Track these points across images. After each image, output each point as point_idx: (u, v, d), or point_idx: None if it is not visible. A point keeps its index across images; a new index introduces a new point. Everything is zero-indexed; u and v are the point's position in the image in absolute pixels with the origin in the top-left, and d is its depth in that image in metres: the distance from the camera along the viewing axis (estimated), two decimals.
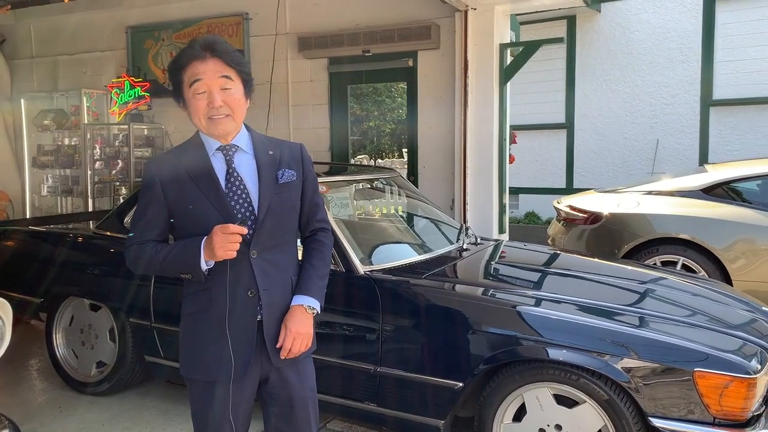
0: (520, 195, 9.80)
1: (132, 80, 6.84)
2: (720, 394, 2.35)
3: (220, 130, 1.80)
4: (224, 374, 1.82)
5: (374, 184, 3.95)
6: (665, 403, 2.42)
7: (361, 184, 3.92)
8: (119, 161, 7.08)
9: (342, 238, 3.03)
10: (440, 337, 2.79)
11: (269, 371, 1.89)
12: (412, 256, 3.34)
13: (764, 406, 2.52)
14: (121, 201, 5.94)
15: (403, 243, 3.77)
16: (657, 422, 2.40)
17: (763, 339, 2.68)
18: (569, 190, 8.92)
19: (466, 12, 5.09)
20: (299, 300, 1.89)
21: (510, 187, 9.05)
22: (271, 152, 1.89)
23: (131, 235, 1.90)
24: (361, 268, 2.98)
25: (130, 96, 6.78)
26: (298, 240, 2.03)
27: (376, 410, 2.91)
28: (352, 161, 7.66)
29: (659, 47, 8.58)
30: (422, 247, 3.61)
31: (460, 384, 2.68)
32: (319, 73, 6.28)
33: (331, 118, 6.28)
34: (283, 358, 1.86)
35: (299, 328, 1.86)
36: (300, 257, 2.00)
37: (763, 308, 3.16)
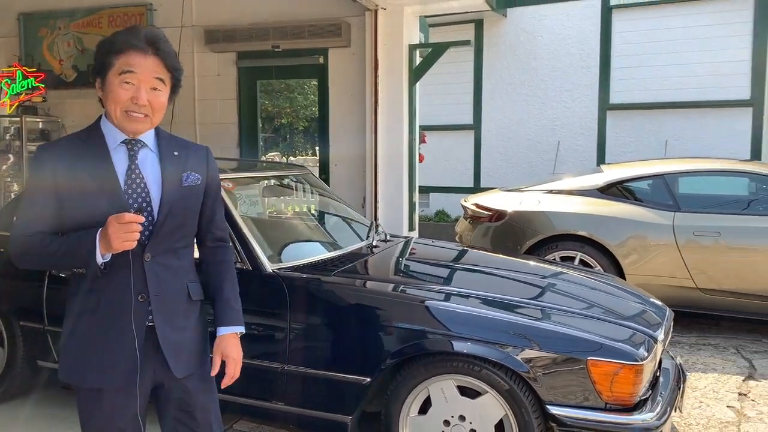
0: (430, 194, 9.99)
1: (24, 70, 6.43)
2: (611, 380, 2.49)
3: (133, 127, 1.73)
4: (109, 382, 1.73)
5: (284, 182, 3.91)
6: (562, 391, 2.53)
7: (270, 181, 3.88)
8: (10, 156, 6.65)
9: (249, 235, 2.98)
10: (348, 333, 2.81)
11: (163, 378, 1.81)
12: (321, 254, 3.34)
13: (650, 391, 2.69)
14: (12, 198, 5.57)
15: (313, 240, 3.76)
16: (554, 409, 2.51)
17: (650, 328, 2.86)
18: (477, 189, 9.17)
19: (376, 11, 5.14)
20: (233, 328, 1.89)
21: (420, 186, 9.21)
22: (176, 153, 1.81)
23: (18, 225, 1.75)
24: (269, 266, 2.95)
25: (22, 87, 6.36)
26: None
27: (284, 409, 2.89)
28: (264, 158, 7.55)
29: (561, 53, 8.98)
30: (332, 245, 3.61)
31: (368, 379, 2.71)
32: (227, 68, 6.15)
33: (240, 113, 6.16)
34: (224, 386, 1.88)
35: (238, 355, 1.89)
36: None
37: (652, 300, 3.37)
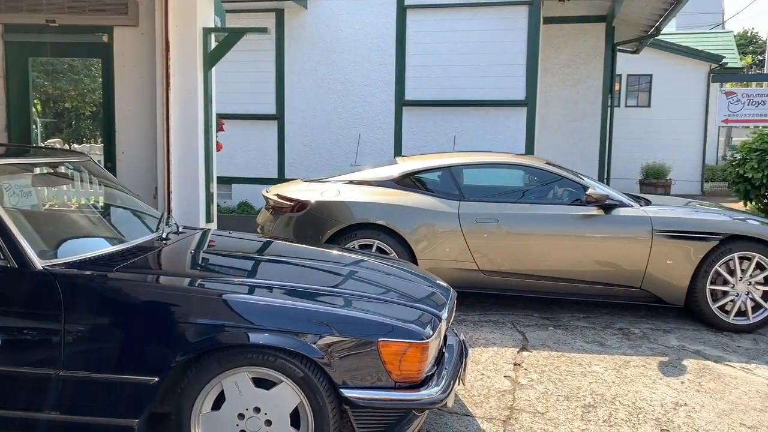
0: (233, 185, 9.74)
1: None
2: (400, 359, 2.61)
3: None
4: None
5: (58, 170, 3.53)
6: (355, 374, 2.60)
7: (42, 168, 3.48)
8: None
9: (12, 229, 2.66)
10: (133, 331, 2.62)
11: None
12: (103, 248, 3.07)
13: (436, 367, 2.87)
14: None
15: (93, 234, 3.44)
16: (347, 392, 2.58)
17: (437, 308, 3.04)
18: (281, 180, 9.13)
19: None
20: None
21: (223, 177, 8.98)
22: None
23: None
24: (39, 263, 2.66)
25: None
26: None
27: (61, 418, 2.62)
28: (41, 145, 6.80)
29: (361, 48, 9.23)
30: (115, 238, 3.34)
31: (156, 379, 2.56)
32: None
33: (8, 93, 5.46)
34: None
35: None
36: None
37: (438, 282, 3.59)
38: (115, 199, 3.83)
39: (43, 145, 7.08)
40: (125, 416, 2.59)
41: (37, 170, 3.46)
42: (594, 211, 5.13)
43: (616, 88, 14.40)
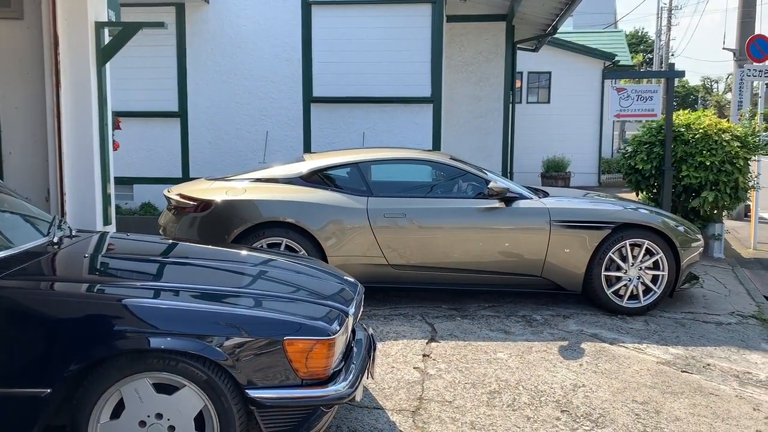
0: (134, 185, 9.36)
1: None
2: (306, 357, 2.61)
3: None
4: None
5: None
6: (261, 374, 2.58)
7: None
8: None
9: None
10: (20, 342, 2.48)
11: None
12: None
13: (344, 362, 2.89)
14: None
15: None
16: (252, 393, 2.55)
17: (344, 304, 3.06)
18: (186, 179, 8.85)
19: None
20: None
21: (124, 177, 8.62)
22: None
23: None
24: None
25: None
26: None
27: None
28: None
29: (266, 44, 9.09)
30: (1, 244, 3.14)
31: (48, 390, 2.43)
32: None
33: None
34: None
35: None
36: None
37: (346, 278, 3.61)
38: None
39: None
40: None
41: None
42: (496, 203, 5.30)
43: (518, 85, 14.95)
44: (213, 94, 9.21)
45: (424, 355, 4.33)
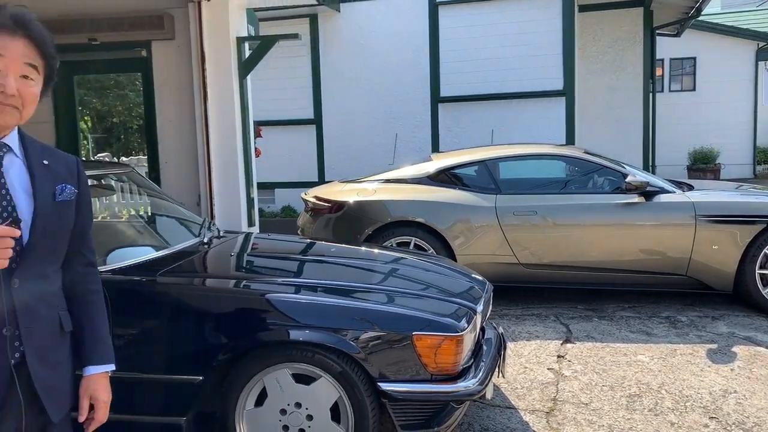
0: (276, 190, 9.92)
1: None
2: (435, 352, 2.64)
3: (1, 121, 1.47)
4: None
5: (103, 182, 3.69)
6: (392, 368, 2.64)
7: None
8: None
9: None
10: (177, 333, 2.72)
11: (30, 424, 1.53)
12: (147, 254, 3.19)
13: (473, 359, 2.89)
14: None
15: (138, 241, 3.58)
16: (384, 386, 2.62)
17: (472, 302, 3.06)
18: (321, 182, 9.24)
19: (199, 3, 4.98)
20: (104, 367, 1.68)
21: (265, 182, 9.15)
22: (46, 162, 1.57)
23: None
24: None
25: None
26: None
27: (113, 418, 2.74)
28: (92, 159, 7.06)
29: (394, 48, 9.28)
30: (159, 245, 3.47)
31: (200, 378, 2.65)
32: None
33: (56, 112, 5.70)
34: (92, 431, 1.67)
35: (108, 397, 1.69)
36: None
37: (474, 276, 3.61)
38: (158, 208, 3.97)
39: (94, 159, 7.34)
40: (174, 414, 2.69)
41: None
42: (635, 198, 5.04)
43: (658, 73, 14.06)
44: (345, 101, 9.53)
45: (558, 356, 4.21)
